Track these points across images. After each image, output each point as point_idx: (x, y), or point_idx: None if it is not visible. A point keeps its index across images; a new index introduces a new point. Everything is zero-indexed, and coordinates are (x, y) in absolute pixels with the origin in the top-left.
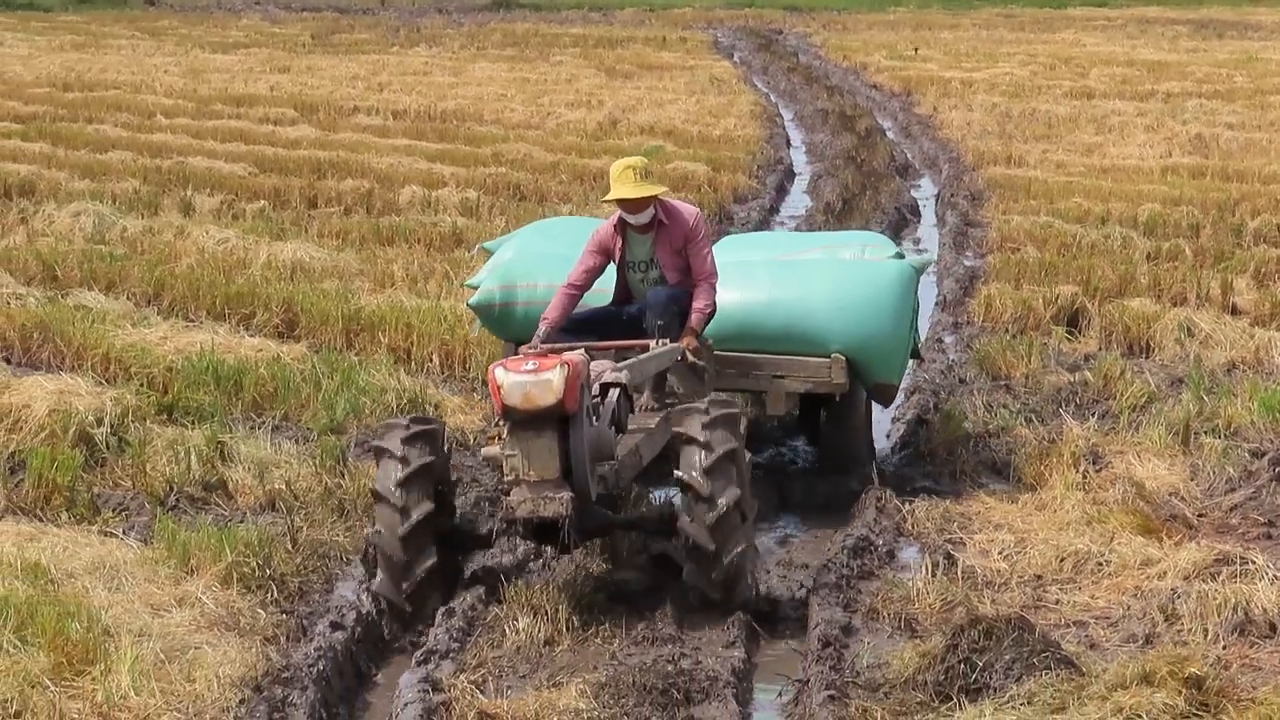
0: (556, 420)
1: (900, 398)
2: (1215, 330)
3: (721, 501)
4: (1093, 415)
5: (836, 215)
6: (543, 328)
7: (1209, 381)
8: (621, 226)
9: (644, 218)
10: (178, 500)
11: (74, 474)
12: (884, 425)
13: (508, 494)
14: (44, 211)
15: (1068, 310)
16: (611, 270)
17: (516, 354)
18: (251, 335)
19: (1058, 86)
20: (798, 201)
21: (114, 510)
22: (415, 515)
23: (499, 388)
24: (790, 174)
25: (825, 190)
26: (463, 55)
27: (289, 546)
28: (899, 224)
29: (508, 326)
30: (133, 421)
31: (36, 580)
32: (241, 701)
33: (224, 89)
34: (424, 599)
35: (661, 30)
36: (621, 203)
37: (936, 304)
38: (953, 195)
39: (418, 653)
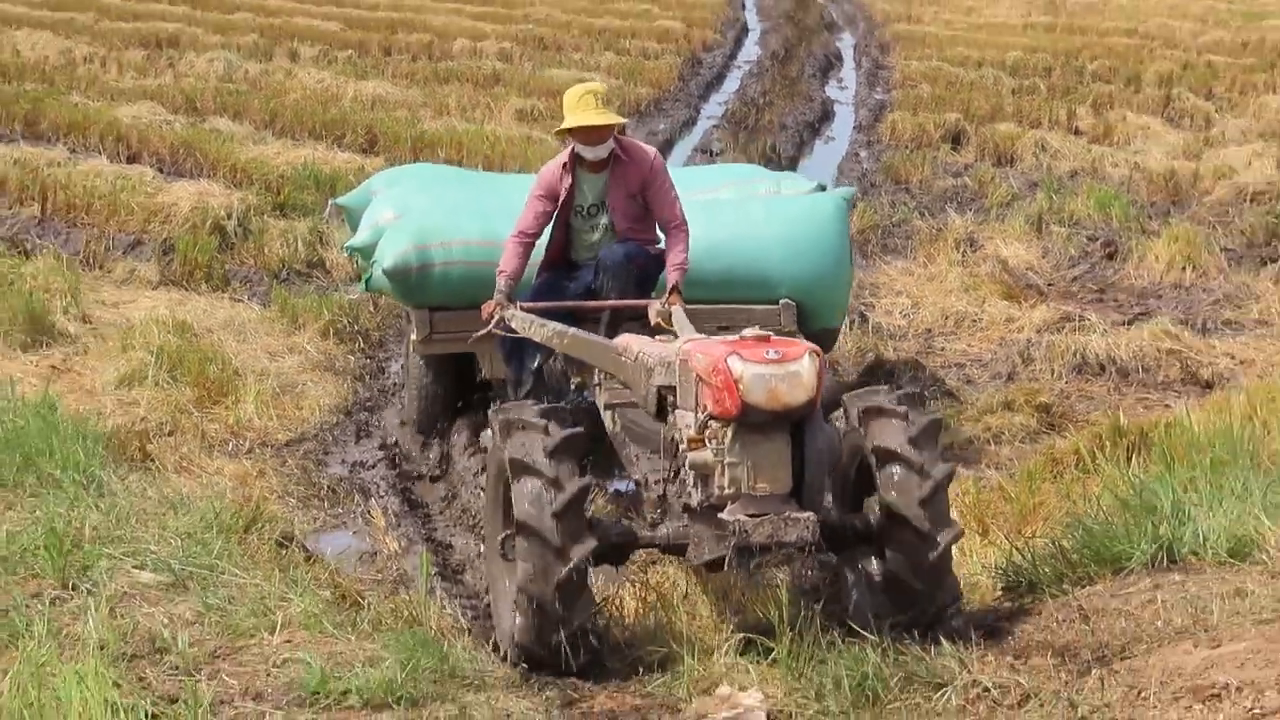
0: (791, 421)
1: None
2: (1062, 146)
3: (941, 540)
4: (970, 210)
5: (780, 61)
6: (502, 282)
7: (1057, 184)
8: (572, 164)
9: (603, 151)
10: (288, 274)
11: (210, 255)
12: None
13: (719, 510)
14: (186, 59)
15: (952, 131)
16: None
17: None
18: (342, 151)
19: None
20: (750, 51)
21: (240, 282)
22: (576, 556)
23: (736, 381)
24: (745, 30)
25: (772, 42)
26: None
27: (371, 308)
28: (827, 68)
29: (425, 292)
30: (254, 215)
31: (184, 334)
32: (336, 424)
33: None
34: (575, 649)
35: None
36: (581, 132)
37: (854, 127)
38: (867, 46)
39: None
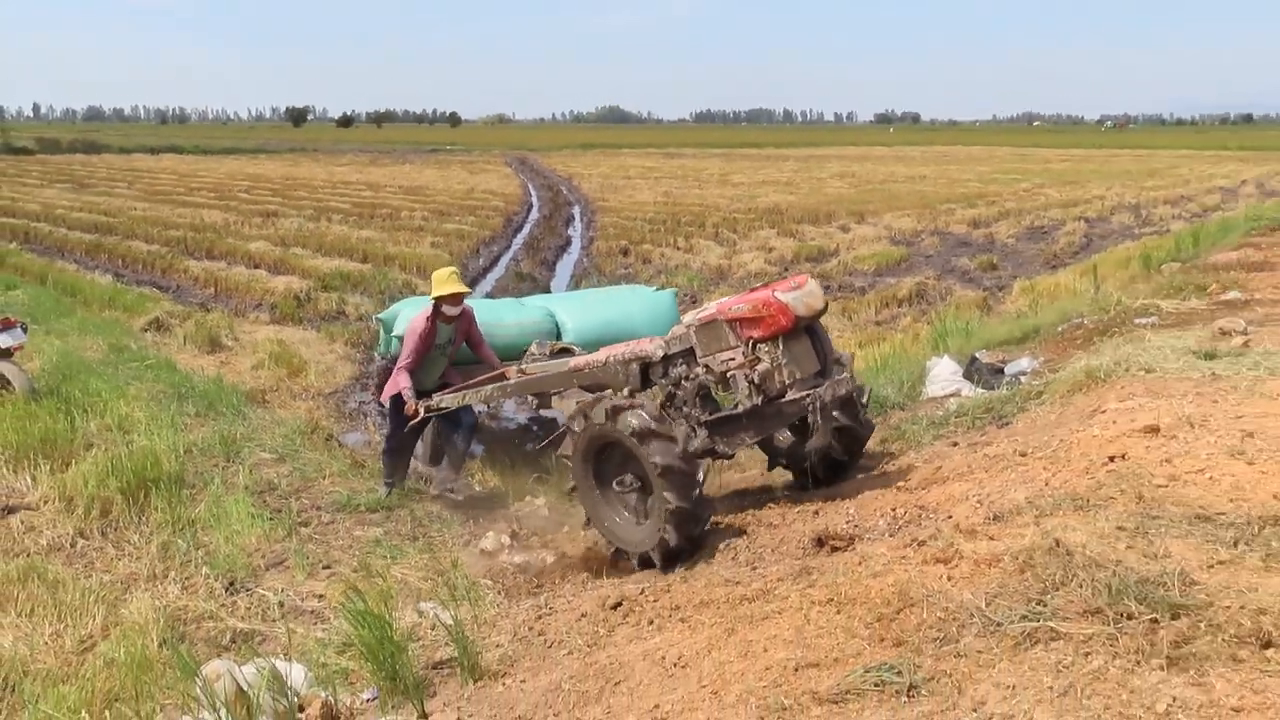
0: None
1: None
2: (672, 255)
3: (864, 391)
4: (637, 283)
5: (547, 219)
6: (409, 392)
7: (670, 272)
8: (433, 318)
9: (459, 309)
10: (328, 317)
11: (293, 309)
12: (562, 286)
13: (782, 397)
14: (280, 221)
15: (624, 249)
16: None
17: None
18: (352, 261)
19: (626, 174)
20: (534, 214)
21: (307, 321)
22: (700, 472)
23: (785, 306)
24: (531, 205)
25: (544, 210)
26: (421, 166)
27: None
28: (568, 221)
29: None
30: (313, 291)
31: (281, 345)
32: (350, 385)
33: (340, 179)
34: (702, 537)
35: (488, 156)
36: (450, 297)
37: (581, 248)
38: (584, 211)
39: None
